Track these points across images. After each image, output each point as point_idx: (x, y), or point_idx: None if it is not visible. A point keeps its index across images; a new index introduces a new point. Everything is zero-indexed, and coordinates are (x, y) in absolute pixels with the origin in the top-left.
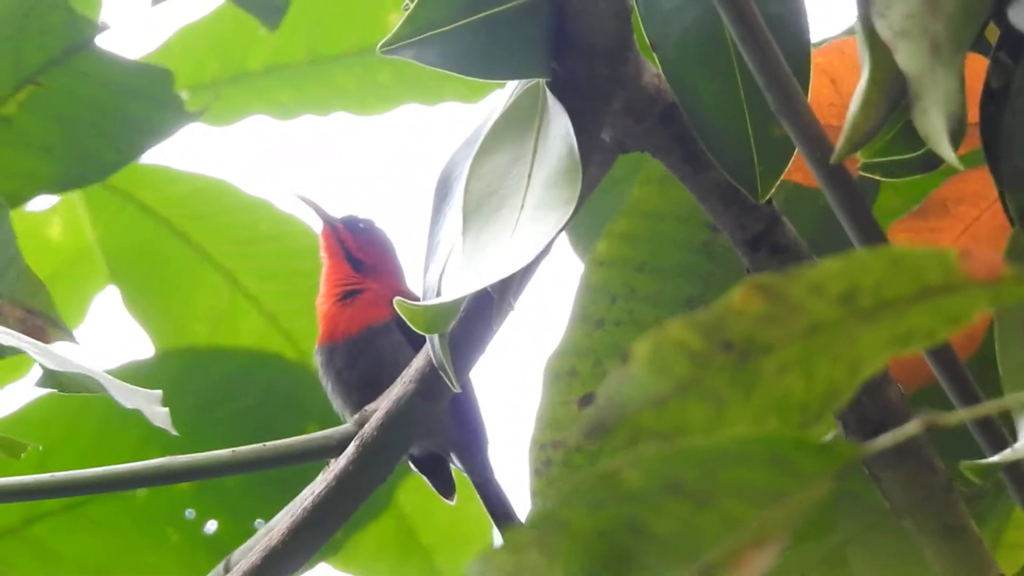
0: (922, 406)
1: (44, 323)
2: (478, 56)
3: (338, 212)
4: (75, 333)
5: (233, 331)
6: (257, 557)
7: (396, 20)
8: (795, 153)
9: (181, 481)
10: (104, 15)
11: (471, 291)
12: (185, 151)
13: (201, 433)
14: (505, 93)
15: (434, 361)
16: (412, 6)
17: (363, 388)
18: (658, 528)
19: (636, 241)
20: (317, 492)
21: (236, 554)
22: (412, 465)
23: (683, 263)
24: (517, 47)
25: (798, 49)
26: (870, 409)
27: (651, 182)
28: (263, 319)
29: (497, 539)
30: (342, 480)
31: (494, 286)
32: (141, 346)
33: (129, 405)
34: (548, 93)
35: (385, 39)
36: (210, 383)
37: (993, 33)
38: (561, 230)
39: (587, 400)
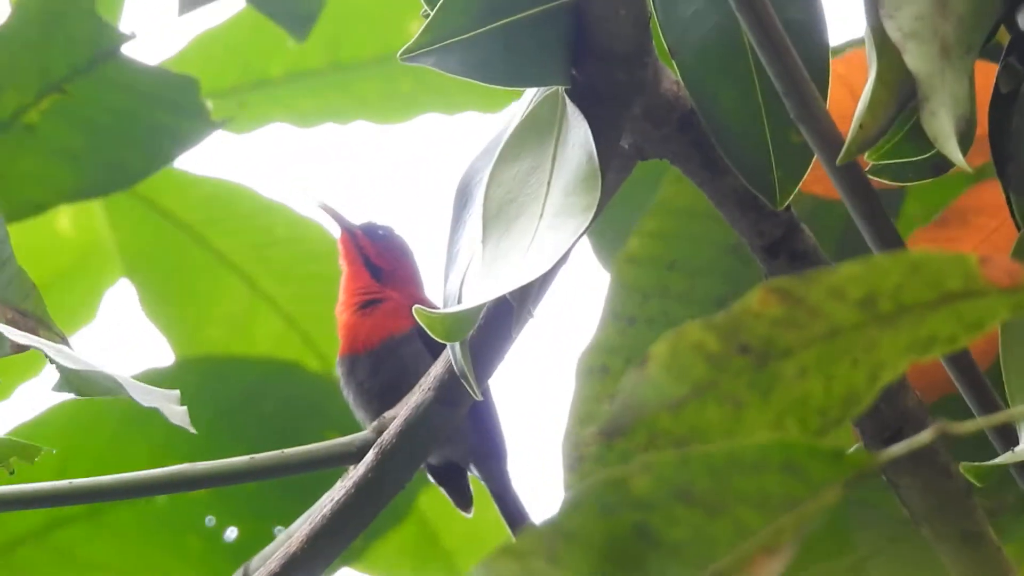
0: (944, 414)
1: (35, 325)
2: (498, 63)
3: (357, 219)
4: (86, 331)
5: (251, 334)
6: (276, 564)
7: (417, 28)
8: (814, 162)
9: (200, 488)
10: (125, 21)
11: (490, 298)
12: (203, 156)
13: (221, 442)
14: (524, 100)
15: (455, 369)
16: (432, 14)
17: (383, 396)
18: (668, 535)
19: (667, 239)
20: (336, 499)
21: (255, 560)
22: (430, 476)
23: (714, 262)
24: (536, 54)
25: (816, 55)
26: (888, 416)
27: (681, 180)
28: (281, 321)
29: None
30: (361, 487)
31: (513, 293)
32: (156, 347)
33: (147, 403)
34: (567, 100)
35: (405, 46)
36: (230, 392)
37: (1004, 38)
38: (580, 237)
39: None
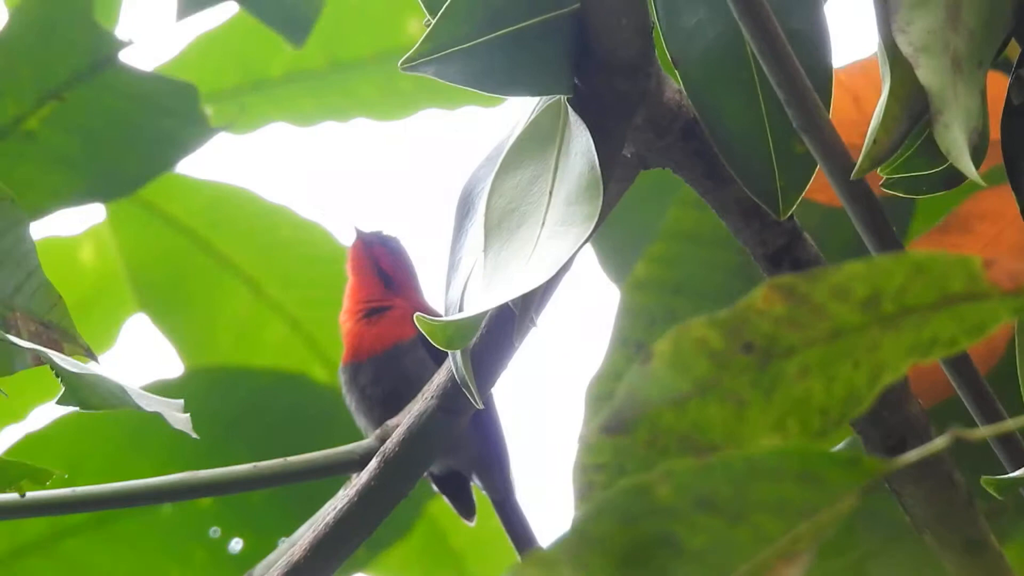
0: (939, 420)
1: (60, 336)
2: (500, 73)
3: (368, 225)
4: (106, 357)
5: (257, 337)
6: (279, 572)
7: (416, 27)
8: (817, 170)
9: (203, 496)
10: (123, 26)
11: (492, 307)
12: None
13: (228, 452)
14: (526, 109)
15: (456, 377)
16: (433, 23)
17: (386, 404)
18: (690, 542)
19: (673, 264)
20: (339, 507)
21: (258, 569)
22: (434, 485)
23: (721, 286)
24: (539, 64)
25: (820, 65)
26: (892, 425)
27: (687, 205)
28: (286, 325)
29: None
30: (364, 495)
31: (515, 302)
32: (170, 368)
33: (149, 409)
34: (569, 109)
35: (406, 56)
36: (237, 402)
37: (1015, 51)
38: (582, 246)
39: None
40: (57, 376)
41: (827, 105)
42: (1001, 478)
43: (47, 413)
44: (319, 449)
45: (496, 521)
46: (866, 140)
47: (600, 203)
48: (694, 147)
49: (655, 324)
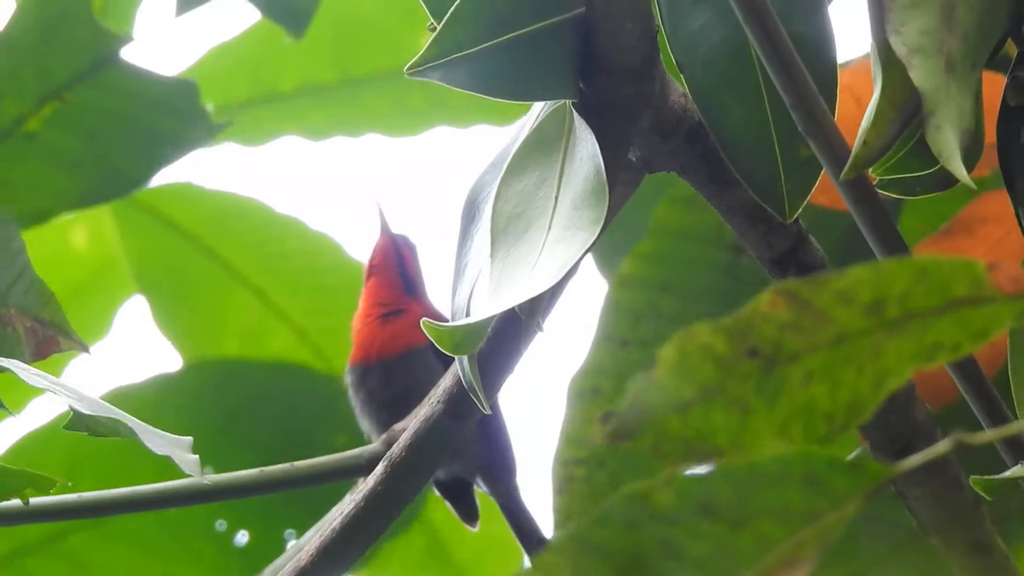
0: (946, 424)
1: (55, 333)
2: (505, 77)
3: (394, 227)
4: (101, 344)
5: (263, 347)
6: None
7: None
8: (822, 173)
9: (209, 501)
10: (135, 34)
11: (499, 312)
12: (215, 170)
13: (231, 446)
14: (531, 114)
15: (463, 382)
16: (439, 28)
17: (393, 407)
18: (692, 549)
19: (660, 261)
20: (346, 512)
21: (265, 573)
22: (436, 490)
23: (707, 284)
24: (544, 68)
25: (824, 68)
26: (898, 428)
27: (675, 202)
28: (293, 335)
29: (527, 560)
30: (370, 500)
31: (522, 307)
32: (169, 357)
33: (158, 451)
34: (574, 113)
35: (412, 61)
36: (238, 396)
37: (1014, 50)
38: (588, 250)
39: (608, 417)
40: (70, 410)
41: (832, 109)
42: (990, 478)
43: (45, 405)
44: (324, 442)
45: (498, 525)
46: (856, 140)
47: (606, 207)
48: (699, 151)
49: (640, 321)
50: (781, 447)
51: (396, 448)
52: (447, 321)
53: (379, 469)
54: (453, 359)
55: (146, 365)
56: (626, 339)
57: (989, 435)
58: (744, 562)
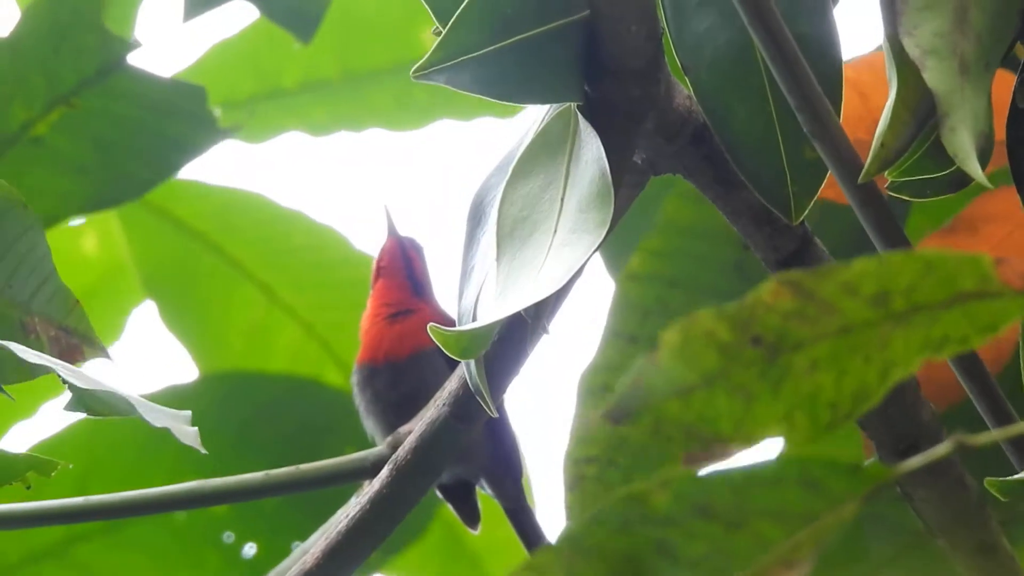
0: (952, 424)
1: (79, 341)
2: (510, 80)
3: (401, 228)
4: (112, 350)
5: (270, 342)
6: None
7: (429, 38)
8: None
9: (215, 504)
10: (137, 32)
11: (505, 315)
12: (218, 167)
13: (242, 458)
14: (536, 117)
15: (470, 385)
16: (444, 32)
17: (400, 409)
18: (687, 550)
19: (669, 257)
20: (351, 515)
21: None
22: (439, 492)
23: (715, 280)
24: (550, 71)
25: (829, 69)
26: (903, 429)
27: (684, 198)
28: (300, 330)
29: None
30: (376, 503)
31: (528, 310)
32: (181, 365)
33: (157, 424)
34: (579, 116)
35: (418, 64)
36: (251, 408)
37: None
38: (594, 252)
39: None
40: (67, 387)
41: (837, 110)
42: (1005, 480)
43: (56, 409)
44: (332, 454)
45: (508, 527)
46: (873, 143)
47: (611, 209)
48: (704, 152)
49: (649, 317)
50: (785, 434)
51: (402, 451)
52: (454, 323)
53: (385, 472)
54: (460, 362)
55: (156, 372)
56: (635, 335)
57: (992, 436)
58: (740, 563)
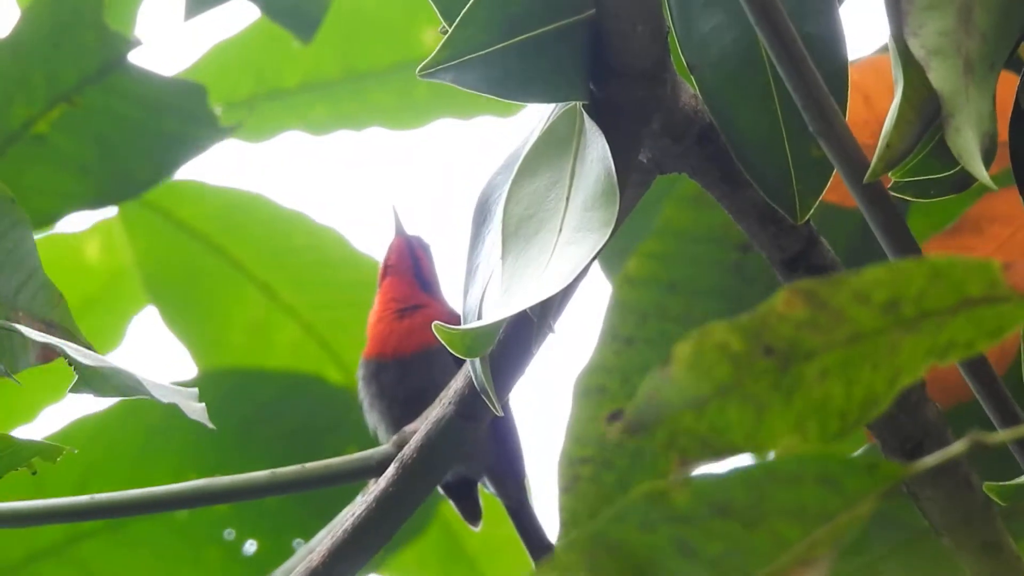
0: (956, 423)
1: (63, 336)
2: (517, 80)
3: (409, 227)
4: (112, 355)
5: (270, 342)
6: None
7: (430, 37)
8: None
9: (220, 503)
10: (138, 31)
11: (510, 314)
12: (219, 166)
13: (244, 456)
14: (542, 116)
15: (476, 384)
16: (450, 30)
17: (406, 405)
18: (706, 549)
19: (667, 260)
20: (357, 514)
21: (276, 574)
22: (440, 489)
23: (714, 283)
24: (555, 70)
25: (835, 68)
26: (909, 429)
27: (683, 202)
28: (300, 330)
29: (533, 564)
30: (382, 501)
31: (533, 309)
32: (182, 368)
33: (165, 400)
34: (585, 115)
35: (424, 63)
36: (251, 405)
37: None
38: (599, 252)
39: (615, 416)
40: (71, 365)
41: (843, 109)
42: (1004, 484)
43: (57, 414)
44: (333, 451)
45: (510, 524)
46: (879, 143)
47: (617, 209)
48: (710, 152)
49: (647, 320)
50: (796, 443)
51: (408, 449)
52: (462, 320)
53: (391, 471)
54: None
55: (156, 372)
56: (632, 337)
57: (1004, 435)
58: (759, 562)
